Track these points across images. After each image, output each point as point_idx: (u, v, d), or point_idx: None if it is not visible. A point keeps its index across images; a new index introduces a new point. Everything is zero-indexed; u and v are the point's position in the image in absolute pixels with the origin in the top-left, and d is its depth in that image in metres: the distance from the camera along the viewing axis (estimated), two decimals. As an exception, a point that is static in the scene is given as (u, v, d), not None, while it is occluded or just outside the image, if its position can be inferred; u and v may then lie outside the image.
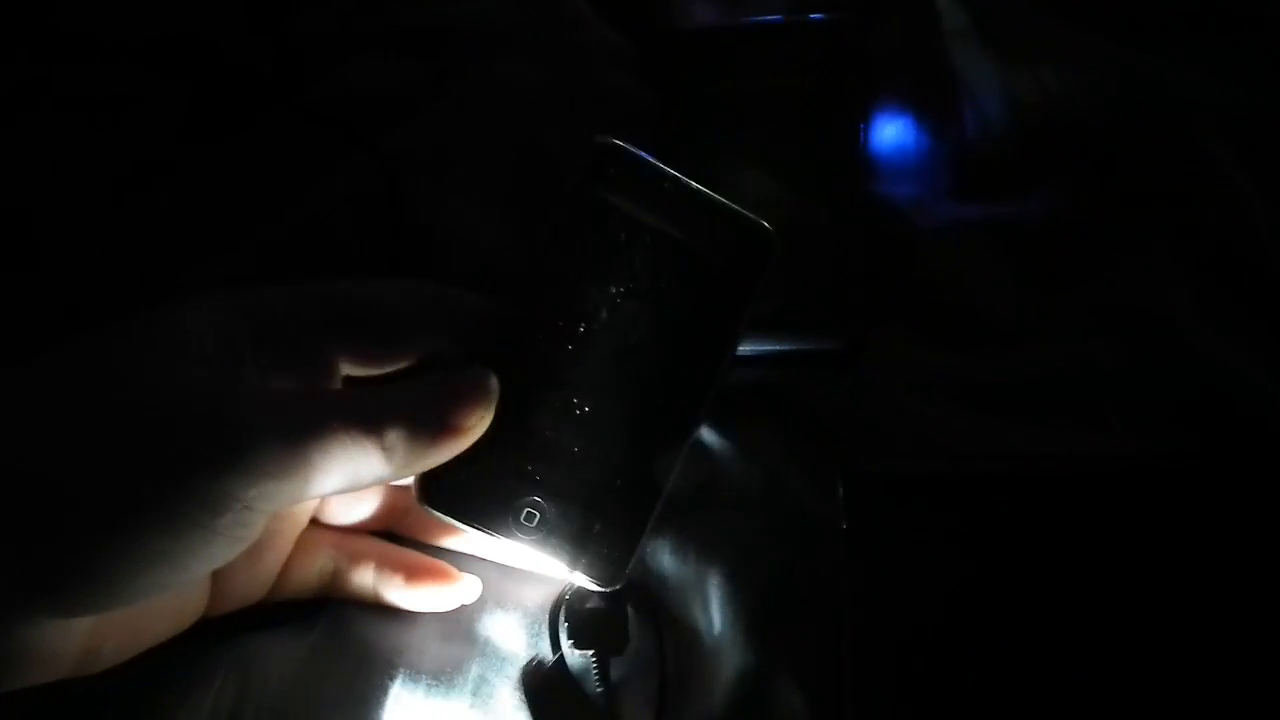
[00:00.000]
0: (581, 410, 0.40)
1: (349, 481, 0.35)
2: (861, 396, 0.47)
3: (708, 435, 0.47)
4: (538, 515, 0.40)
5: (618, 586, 0.40)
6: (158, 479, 0.32)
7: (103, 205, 0.53)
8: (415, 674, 0.42)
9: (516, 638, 0.44)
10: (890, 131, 0.52)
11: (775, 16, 0.55)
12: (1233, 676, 0.39)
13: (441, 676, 0.43)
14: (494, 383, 0.38)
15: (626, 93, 0.54)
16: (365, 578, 0.43)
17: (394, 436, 0.35)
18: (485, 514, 0.40)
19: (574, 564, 0.40)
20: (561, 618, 0.43)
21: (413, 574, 0.42)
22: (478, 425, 0.38)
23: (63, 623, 0.34)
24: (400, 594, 0.43)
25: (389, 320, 0.39)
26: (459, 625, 0.44)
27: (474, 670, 0.43)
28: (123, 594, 0.33)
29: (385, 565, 0.43)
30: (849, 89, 0.52)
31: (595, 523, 0.40)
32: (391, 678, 0.42)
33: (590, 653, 0.42)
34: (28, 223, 0.53)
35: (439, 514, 0.40)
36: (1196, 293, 0.47)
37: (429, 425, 0.37)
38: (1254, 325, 0.46)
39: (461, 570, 0.44)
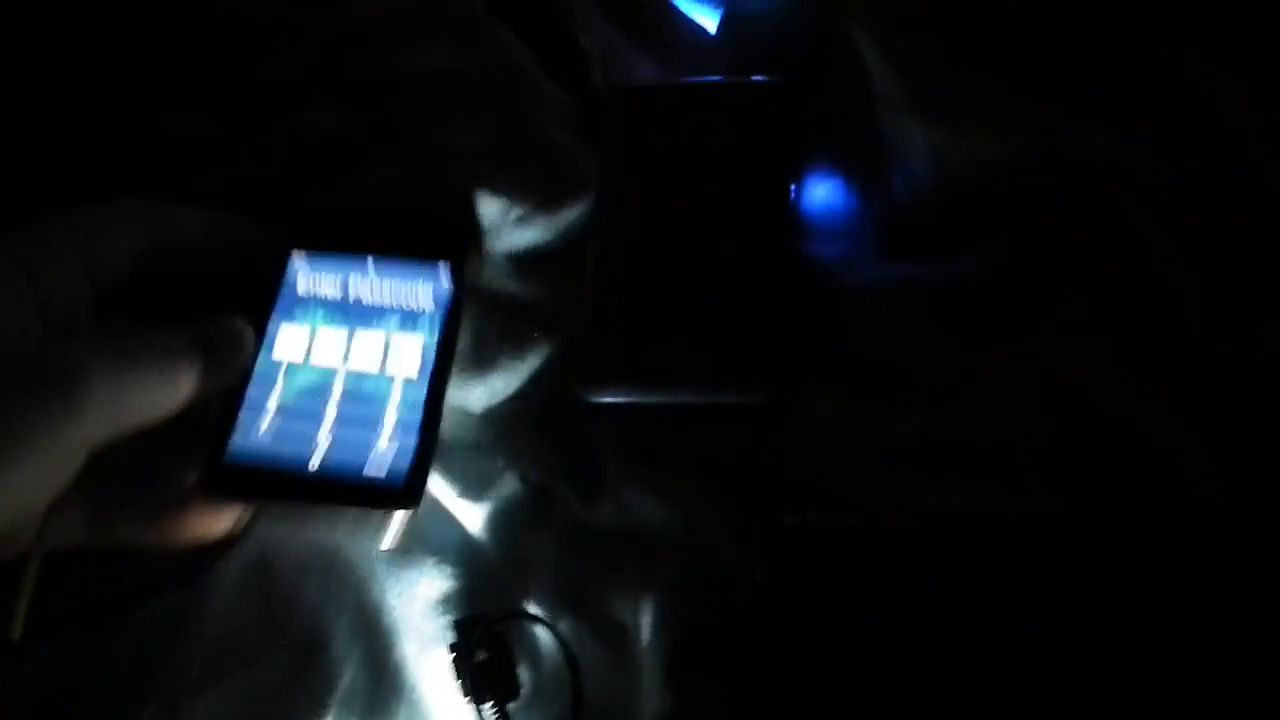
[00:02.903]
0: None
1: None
2: (785, 451, 0.48)
3: (630, 484, 0.48)
4: (319, 450, 0.45)
5: (416, 492, 0.45)
6: None
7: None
8: None
9: (440, 687, 0.45)
10: (821, 192, 0.54)
11: (715, 77, 0.56)
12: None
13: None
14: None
15: (565, 146, 0.55)
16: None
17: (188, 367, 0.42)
18: (274, 480, 0.45)
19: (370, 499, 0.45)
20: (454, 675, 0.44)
21: None
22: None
23: None
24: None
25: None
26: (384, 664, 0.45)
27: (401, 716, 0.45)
28: None
29: None
30: (783, 149, 0.53)
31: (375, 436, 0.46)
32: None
33: (491, 704, 0.43)
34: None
35: (231, 499, 0.45)
36: (1114, 355, 0.48)
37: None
38: (1169, 388, 0.47)
39: None
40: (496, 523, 0.49)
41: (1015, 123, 0.52)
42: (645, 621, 0.45)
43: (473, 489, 0.49)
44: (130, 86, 0.60)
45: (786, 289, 0.50)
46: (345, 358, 0.48)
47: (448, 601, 0.47)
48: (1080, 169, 0.51)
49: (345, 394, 0.47)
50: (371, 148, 0.56)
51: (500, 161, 0.54)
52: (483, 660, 0.44)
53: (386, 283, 0.49)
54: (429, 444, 0.46)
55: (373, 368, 0.48)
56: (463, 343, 0.50)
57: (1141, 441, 0.46)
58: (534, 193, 0.53)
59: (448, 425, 0.49)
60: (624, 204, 0.53)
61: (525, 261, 0.53)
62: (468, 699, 0.44)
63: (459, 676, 0.44)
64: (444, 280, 0.49)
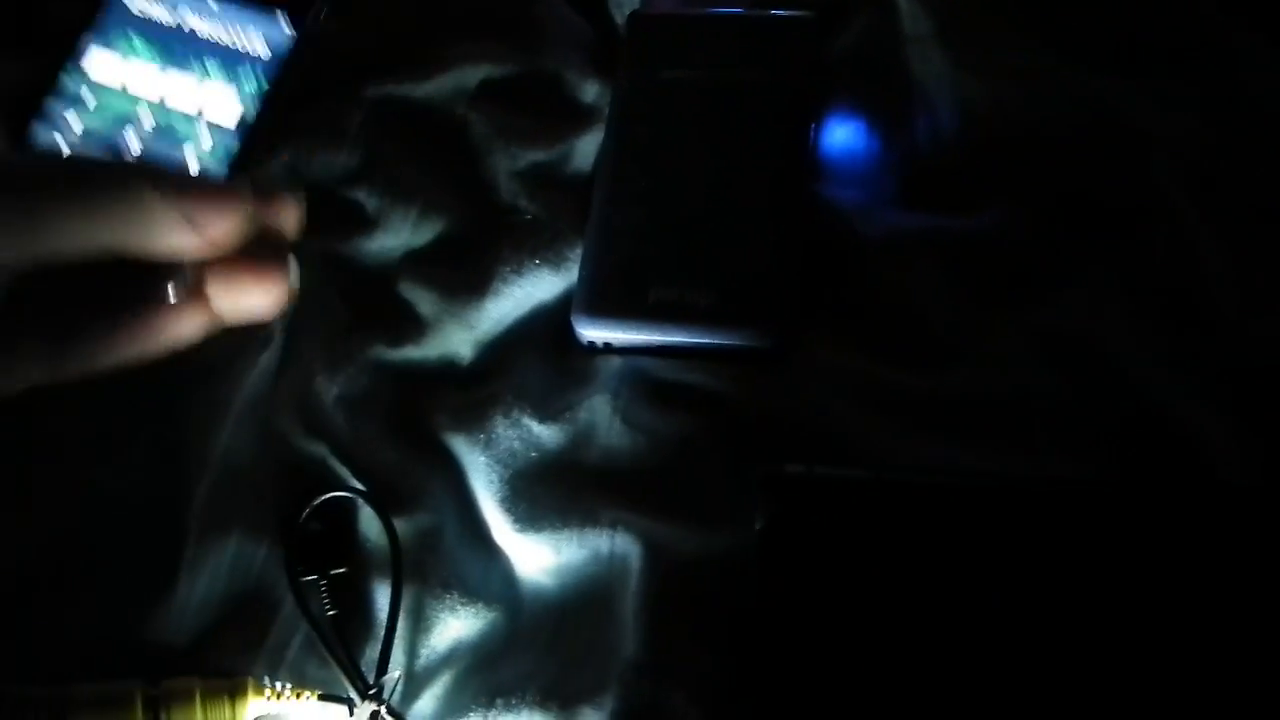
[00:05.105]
0: None
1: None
2: (789, 398, 0.46)
3: (626, 423, 0.46)
4: None
5: None
6: None
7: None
8: None
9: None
10: (841, 134, 0.52)
11: (738, 9, 0.54)
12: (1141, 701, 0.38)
13: None
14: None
15: (577, 71, 0.53)
16: None
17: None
18: None
19: None
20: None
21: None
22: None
23: None
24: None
25: None
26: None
27: None
28: None
29: None
30: (803, 87, 0.51)
31: None
32: None
33: (316, 576, 0.44)
34: None
35: None
36: (1136, 321, 0.46)
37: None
38: (1189, 356, 0.45)
39: None
40: (484, 455, 0.47)
41: (1047, 74, 0.50)
42: (633, 566, 0.44)
43: (461, 420, 0.47)
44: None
45: (797, 232, 0.48)
46: (159, 90, 0.46)
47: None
48: (1111, 127, 0.49)
49: (153, 129, 0.45)
50: (378, 64, 0.54)
51: (506, 80, 0.52)
52: (313, 533, 0.45)
53: (219, 20, 0.47)
54: None
55: (187, 107, 0.46)
56: (461, 257, 0.49)
57: (1160, 411, 0.44)
58: (539, 115, 0.52)
59: (442, 348, 0.48)
60: (636, 135, 0.51)
61: (531, 183, 0.51)
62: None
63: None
64: (281, 29, 0.48)
